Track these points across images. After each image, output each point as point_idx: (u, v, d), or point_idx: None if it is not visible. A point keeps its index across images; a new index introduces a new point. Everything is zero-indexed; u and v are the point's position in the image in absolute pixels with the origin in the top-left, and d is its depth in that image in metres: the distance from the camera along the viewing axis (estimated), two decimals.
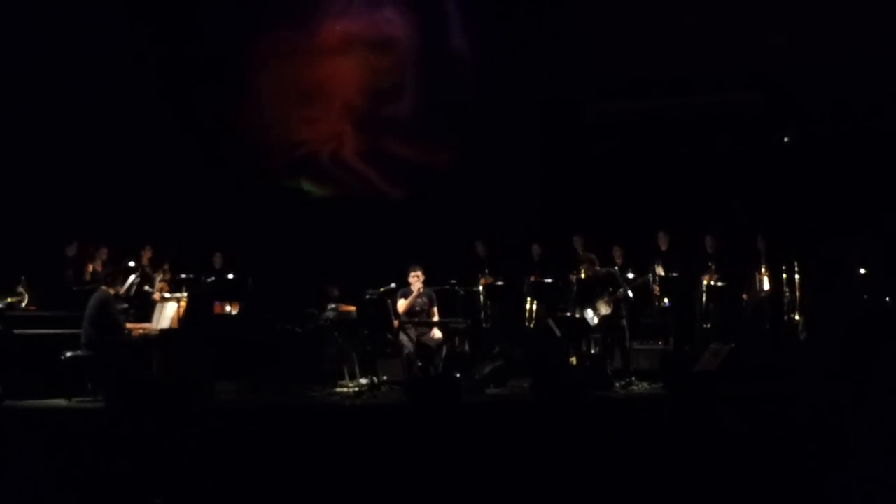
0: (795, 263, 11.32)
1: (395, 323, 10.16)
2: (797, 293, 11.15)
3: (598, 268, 10.53)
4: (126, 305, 10.07)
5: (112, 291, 9.37)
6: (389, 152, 13.69)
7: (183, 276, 10.93)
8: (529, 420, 8.25)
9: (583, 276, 10.71)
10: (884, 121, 12.23)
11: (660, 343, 11.41)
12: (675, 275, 11.60)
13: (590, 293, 10.39)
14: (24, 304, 9.70)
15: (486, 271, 12.52)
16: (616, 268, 11.17)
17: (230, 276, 11.54)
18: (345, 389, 9.83)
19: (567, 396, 8.87)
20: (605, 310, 10.24)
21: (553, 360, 10.55)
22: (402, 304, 10.36)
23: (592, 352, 11.73)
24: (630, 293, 10.29)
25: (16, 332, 9.32)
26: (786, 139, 12.76)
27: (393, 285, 10.37)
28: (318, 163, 13.80)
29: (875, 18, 11.67)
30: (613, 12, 12.56)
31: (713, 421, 8.06)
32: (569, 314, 10.66)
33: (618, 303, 10.22)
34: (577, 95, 13.56)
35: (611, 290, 10.23)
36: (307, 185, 13.82)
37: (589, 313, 10.32)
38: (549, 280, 11.87)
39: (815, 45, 11.79)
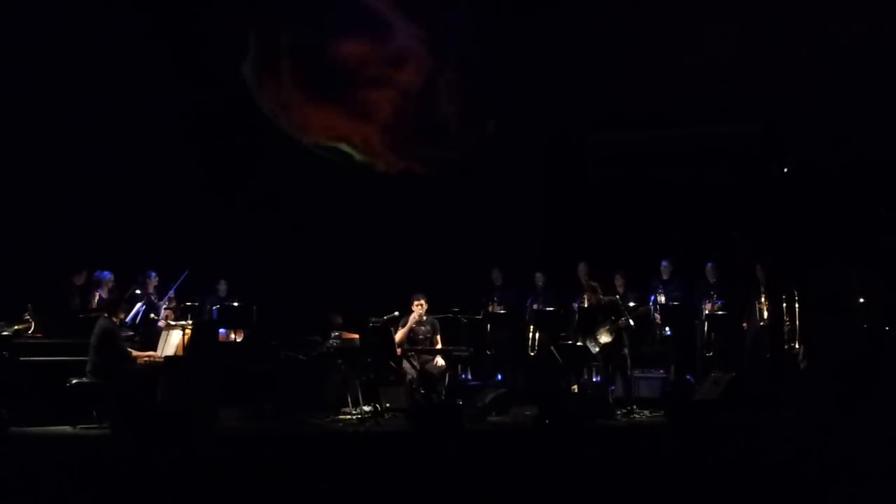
0: (795, 293, 11.38)
1: (399, 350, 10.24)
2: (797, 322, 11.19)
3: (600, 296, 10.60)
4: (131, 333, 10.15)
5: (116, 319, 9.45)
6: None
7: (188, 303, 11.02)
8: (532, 448, 8.29)
9: (586, 304, 10.80)
10: (882, 152, 12.33)
11: (661, 371, 11.47)
12: (676, 303, 11.69)
13: (592, 322, 10.47)
14: (30, 332, 9.76)
15: (495, 299, 12.58)
16: (618, 296, 11.25)
17: (235, 303, 11.62)
18: (348, 417, 9.87)
19: (570, 425, 8.90)
20: (605, 338, 10.30)
21: (557, 389, 10.60)
22: (399, 335, 10.41)
23: (594, 380, 11.80)
24: (632, 322, 10.36)
25: (22, 359, 9.39)
26: (785, 169, 12.85)
27: (396, 313, 10.45)
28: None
29: (872, 51, 11.80)
30: (614, 44, 12.70)
31: (714, 450, 8.09)
32: (571, 342, 10.72)
33: (619, 331, 10.28)
34: (578, 127, 13.69)
35: (612, 318, 10.30)
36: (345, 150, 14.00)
37: (591, 342, 10.38)
38: (552, 308, 11.98)
39: (812, 76, 11.93)
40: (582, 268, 12.16)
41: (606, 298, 10.63)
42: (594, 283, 10.80)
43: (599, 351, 10.37)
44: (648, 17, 12.68)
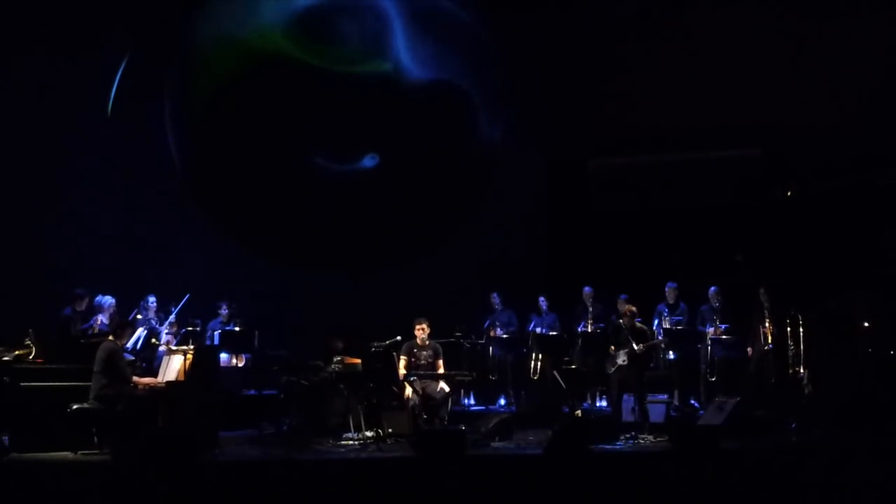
0: (799, 317, 11.33)
1: (401, 375, 10.19)
2: (801, 347, 11.14)
3: (636, 322, 10.50)
4: (133, 358, 10.11)
5: (121, 343, 9.43)
6: None
7: (189, 328, 10.98)
8: (535, 473, 8.23)
9: (621, 321, 10.67)
10: (885, 175, 12.35)
11: (665, 396, 11.41)
12: (679, 327, 11.64)
13: (618, 340, 10.34)
14: (31, 357, 9.72)
15: (497, 323, 12.54)
16: (620, 321, 11.19)
17: (237, 328, 11.58)
18: (350, 442, 9.81)
19: (582, 451, 8.75)
20: (622, 359, 10.21)
21: (570, 415, 10.51)
22: (401, 366, 10.35)
23: (598, 405, 11.74)
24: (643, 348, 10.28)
25: (22, 384, 9.34)
26: (788, 193, 12.87)
27: (398, 338, 10.41)
28: None
29: (872, 76, 11.85)
30: (615, 70, 12.77)
31: (718, 475, 8.04)
32: (574, 366, 10.64)
33: (635, 356, 10.16)
34: (580, 151, 13.72)
35: (634, 343, 10.19)
36: None
37: (620, 356, 10.25)
38: (555, 333, 11.94)
39: (814, 99, 11.96)
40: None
41: (640, 326, 10.56)
42: (634, 309, 10.66)
43: (615, 371, 10.27)
44: (649, 43, 12.74)
